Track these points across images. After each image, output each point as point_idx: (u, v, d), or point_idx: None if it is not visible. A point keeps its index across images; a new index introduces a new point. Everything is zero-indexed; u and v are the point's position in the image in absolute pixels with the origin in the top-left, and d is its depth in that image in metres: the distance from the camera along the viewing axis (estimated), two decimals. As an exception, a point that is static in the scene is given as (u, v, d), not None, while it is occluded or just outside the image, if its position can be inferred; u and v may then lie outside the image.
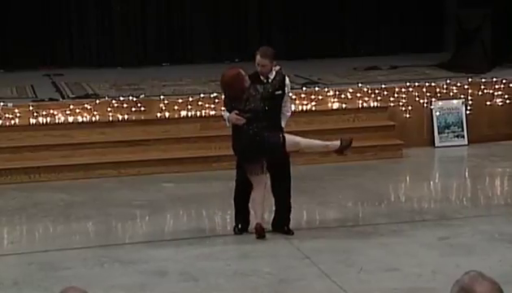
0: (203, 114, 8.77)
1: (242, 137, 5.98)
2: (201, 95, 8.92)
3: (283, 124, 6.23)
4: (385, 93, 9.24)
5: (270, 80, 6.12)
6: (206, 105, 8.82)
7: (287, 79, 6.27)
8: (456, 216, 6.42)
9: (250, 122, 5.96)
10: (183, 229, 6.46)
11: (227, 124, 6.22)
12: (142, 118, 8.68)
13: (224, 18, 11.99)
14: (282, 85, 6.19)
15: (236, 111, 5.99)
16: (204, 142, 8.56)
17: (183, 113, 8.76)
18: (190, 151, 8.46)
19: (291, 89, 9.34)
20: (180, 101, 8.82)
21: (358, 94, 9.19)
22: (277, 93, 6.14)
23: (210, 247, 5.99)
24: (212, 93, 8.99)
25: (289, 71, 10.58)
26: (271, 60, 6.14)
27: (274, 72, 6.16)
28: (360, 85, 9.33)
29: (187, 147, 8.50)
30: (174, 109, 8.76)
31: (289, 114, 6.32)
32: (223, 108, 6.38)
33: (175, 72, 10.95)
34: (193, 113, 8.77)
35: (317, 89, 9.29)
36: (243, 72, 6.05)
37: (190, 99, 8.84)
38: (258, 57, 6.12)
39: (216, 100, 8.87)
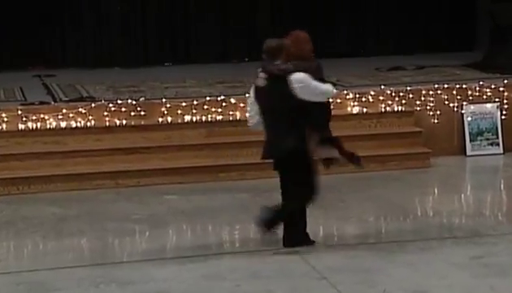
0: (209, 119, 8.81)
1: None
2: (207, 98, 8.96)
3: None
4: (411, 96, 9.24)
5: None
6: (213, 109, 8.86)
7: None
8: (490, 233, 6.41)
9: None
10: (187, 246, 6.48)
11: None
12: (142, 123, 8.73)
13: (232, 14, 12.06)
14: None
15: None
16: (210, 149, 8.59)
17: (187, 118, 8.80)
18: (195, 160, 8.49)
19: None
20: (184, 104, 8.86)
21: (381, 97, 9.20)
22: None
23: (217, 265, 6.01)
24: (219, 95, 9.03)
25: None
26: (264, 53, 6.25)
27: None
28: (383, 87, 9.34)
29: (191, 156, 8.53)
30: (177, 113, 8.81)
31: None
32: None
33: (178, 72, 11.02)
34: (198, 118, 8.81)
35: (335, 91, 9.27)
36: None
37: (195, 103, 8.89)
38: None
39: (224, 104, 8.91)
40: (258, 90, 6.25)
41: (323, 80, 6.28)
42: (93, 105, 8.74)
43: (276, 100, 6.11)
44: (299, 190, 6.19)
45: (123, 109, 8.74)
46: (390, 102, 9.20)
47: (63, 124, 8.55)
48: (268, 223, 6.18)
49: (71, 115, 8.60)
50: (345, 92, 9.23)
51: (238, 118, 8.89)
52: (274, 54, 6.18)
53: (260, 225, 6.19)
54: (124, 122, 8.68)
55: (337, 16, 12.19)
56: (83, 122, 8.59)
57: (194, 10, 11.99)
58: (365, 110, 9.10)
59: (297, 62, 6.14)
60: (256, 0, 12.10)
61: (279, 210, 6.26)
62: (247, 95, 6.43)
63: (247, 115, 6.49)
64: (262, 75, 6.20)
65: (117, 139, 8.53)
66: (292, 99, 6.04)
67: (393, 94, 9.24)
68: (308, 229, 6.51)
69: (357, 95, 9.18)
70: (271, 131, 6.21)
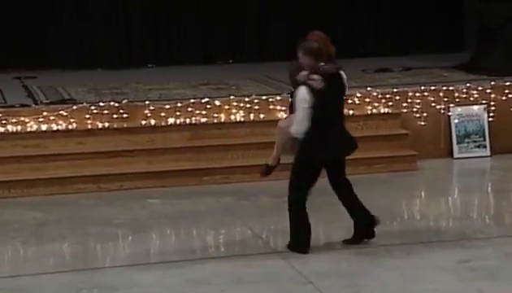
0: (193, 121, 8.80)
1: None
2: (191, 100, 8.94)
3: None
4: (397, 97, 9.27)
5: None
6: (197, 111, 8.85)
7: (298, 88, 6.22)
8: (477, 237, 6.43)
9: None
10: (170, 251, 6.45)
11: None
12: (125, 126, 8.69)
13: (217, 15, 12.04)
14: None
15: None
16: (194, 152, 8.57)
17: (170, 120, 8.78)
18: (179, 163, 8.47)
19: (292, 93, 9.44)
20: (168, 107, 8.84)
21: (367, 99, 9.22)
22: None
23: (202, 270, 5.99)
24: (203, 97, 9.02)
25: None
26: (305, 55, 6.22)
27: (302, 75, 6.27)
28: (369, 88, 9.37)
29: (175, 159, 8.51)
30: (160, 116, 8.78)
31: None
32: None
33: (162, 74, 10.98)
34: (182, 120, 8.79)
35: (321, 93, 9.29)
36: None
37: (179, 105, 8.87)
38: None
39: (208, 106, 8.90)
40: (317, 93, 6.16)
41: None
42: (74, 107, 8.69)
43: (339, 97, 6.32)
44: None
45: (106, 111, 8.70)
46: (377, 105, 9.23)
47: (44, 127, 8.50)
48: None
49: (52, 117, 8.55)
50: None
51: (222, 120, 8.88)
52: (319, 55, 6.23)
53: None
54: (107, 125, 8.64)
55: (322, 17, 12.19)
56: (64, 125, 8.54)
57: (178, 11, 11.95)
58: (351, 112, 9.11)
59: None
60: (241, 1, 12.08)
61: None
62: (304, 101, 6.12)
63: (300, 123, 6.15)
64: (316, 77, 6.15)
65: (99, 142, 8.49)
66: (344, 94, 6.42)
67: (380, 96, 9.26)
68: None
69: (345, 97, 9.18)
70: (337, 128, 6.29)
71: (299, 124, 6.14)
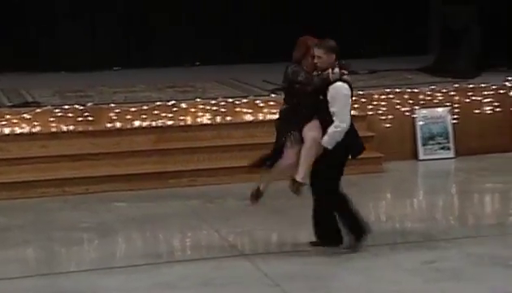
0: (159, 124, 8.76)
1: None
2: (157, 103, 8.91)
3: (322, 141, 6.11)
4: (363, 100, 9.34)
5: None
6: (163, 114, 8.81)
7: (335, 85, 6.08)
8: (442, 238, 6.50)
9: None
10: (136, 255, 6.41)
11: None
12: (90, 129, 8.62)
13: (185, 17, 12.01)
14: (323, 89, 6.13)
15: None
16: (160, 155, 8.54)
17: (136, 123, 8.73)
18: (145, 166, 8.43)
19: (259, 96, 9.46)
20: (133, 109, 8.79)
21: (333, 102, 9.26)
22: (321, 97, 6.13)
23: (168, 274, 5.96)
24: (169, 100, 8.99)
25: (257, 75, 10.75)
26: (328, 53, 6.16)
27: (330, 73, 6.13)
28: (335, 91, 9.40)
29: (141, 162, 8.47)
30: (126, 119, 8.73)
31: (331, 131, 6.07)
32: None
33: (128, 77, 10.92)
34: (148, 123, 8.75)
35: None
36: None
37: (145, 108, 8.82)
38: (314, 48, 6.24)
39: (174, 109, 8.87)
40: (351, 88, 6.26)
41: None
42: (38, 110, 8.60)
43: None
44: None
45: (70, 114, 8.62)
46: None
47: (7, 131, 8.39)
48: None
49: (14, 120, 8.45)
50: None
51: (189, 123, 8.86)
52: (339, 53, 6.29)
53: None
54: (71, 128, 8.57)
55: (290, 19, 12.23)
56: (27, 128, 8.45)
57: (145, 12, 11.90)
58: (317, 114, 9.14)
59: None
60: (206, 2, 12.07)
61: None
62: (348, 97, 6.12)
63: (348, 118, 6.13)
64: (346, 72, 6.22)
65: (63, 145, 8.42)
66: None
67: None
68: (262, 235, 6.53)
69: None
70: (353, 125, 6.28)
71: (347, 118, 6.13)
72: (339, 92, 6.11)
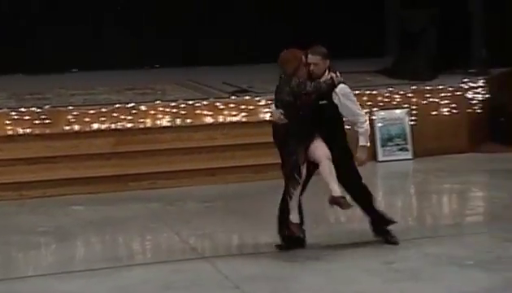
0: (118, 127, 8.70)
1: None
2: (117, 105, 8.84)
3: (361, 142, 6.22)
4: (323, 102, 9.38)
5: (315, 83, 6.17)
6: (122, 116, 8.76)
7: (340, 86, 6.20)
8: (401, 238, 6.56)
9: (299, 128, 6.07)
10: (96, 259, 6.36)
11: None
12: (47, 132, 8.53)
13: (145, 18, 11.95)
14: (329, 94, 6.18)
15: (281, 111, 6.09)
16: (119, 158, 8.48)
17: (95, 126, 8.67)
18: (104, 169, 8.36)
19: (219, 98, 9.47)
20: (92, 112, 8.72)
21: (293, 104, 9.30)
22: (321, 102, 6.17)
23: (128, 277, 5.92)
24: (129, 102, 8.93)
25: (217, 77, 10.75)
26: (324, 59, 6.25)
27: (326, 77, 6.22)
28: (295, 93, 9.45)
29: (100, 165, 8.40)
30: (84, 121, 8.65)
31: (363, 129, 6.21)
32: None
33: (86, 79, 10.82)
34: (107, 126, 8.69)
35: (247, 98, 9.36)
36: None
37: (103, 110, 8.76)
38: (309, 55, 6.26)
39: (133, 111, 8.82)
40: None
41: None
42: (-6, 113, 8.47)
43: None
44: None
45: (27, 117, 8.52)
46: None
47: (-38, 134, 8.26)
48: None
49: (-31, 123, 8.32)
50: (258, 98, 9.30)
51: (148, 126, 8.82)
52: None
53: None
54: (28, 131, 8.47)
55: (254, 21, 12.27)
56: (-17, 131, 8.32)
57: (104, 14, 11.81)
58: (277, 116, 9.17)
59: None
60: (167, 5, 12.03)
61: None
62: (351, 92, 6.28)
63: (361, 110, 6.38)
64: (339, 74, 6.35)
65: (20, 149, 8.31)
66: None
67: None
68: (222, 237, 6.52)
69: (270, 102, 9.24)
70: None
71: (362, 111, 6.32)
72: (347, 91, 6.27)
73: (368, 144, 6.26)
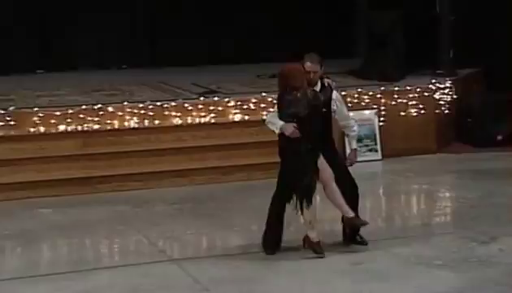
0: (85, 128, 8.63)
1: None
2: (83, 107, 8.77)
3: (353, 146, 6.43)
4: (292, 103, 9.40)
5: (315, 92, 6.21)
6: (89, 118, 8.69)
7: (334, 93, 6.32)
8: (370, 239, 6.61)
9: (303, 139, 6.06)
10: (62, 262, 6.30)
11: (277, 130, 6.15)
12: (12, 134, 8.43)
13: (110, 18, 11.87)
14: (329, 101, 6.27)
15: (295, 124, 6.07)
16: (87, 160, 8.41)
17: (61, 127, 8.59)
18: (71, 171, 8.29)
19: (188, 99, 9.43)
20: (58, 113, 8.64)
21: (263, 105, 9.32)
22: (324, 110, 6.23)
23: (95, 281, 5.87)
24: (96, 104, 8.86)
25: (185, 78, 10.72)
26: (320, 66, 6.34)
27: (320, 84, 6.29)
28: (264, 94, 9.47)
29: (67, 167, 8.32)
30: (50, 123, 8.57)
31: (354, 133, 6.40)
32: (270, 113, 6.28)
33: (52, 80, 10.71)
34: (74, 127, 8.61)
35: (216, 99, 9.34)
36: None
37: (70, 112, 8.68)
38: (308, 64, 6.25)
39: (101, 112, 8.75)
40: None
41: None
42: (-44, 115, 8.35)
43: None
44: None
45: (-9, 119, 8.41)
46: (272, 110, 9.27)
47: None
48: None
49: None
50: (227, 99, 9.30)
51: (116, 127, 8.76)
52: None
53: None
54: (-8, 132, 8.35)
55: (222, 20, 12.26)
56: None
57: (69, 14, 11.70)
58: (247, 117, 9.19)
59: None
60: (132, 5, 11.96)
61: None
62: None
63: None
64: None
65: (-16, 151, 8.19)
66: None
67: (275, 102, 9.30)
68: (191, 240, 6.49)
69: (239, 103, 9.26)
70: None
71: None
72: (340, 96, 6.44)
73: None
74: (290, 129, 6.08)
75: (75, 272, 6.03)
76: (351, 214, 6.27)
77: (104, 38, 11.81)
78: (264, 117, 6.16)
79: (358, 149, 9.56)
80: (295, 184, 6.15)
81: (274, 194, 6.39)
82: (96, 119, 8.69)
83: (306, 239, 6.27)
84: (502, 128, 10.25)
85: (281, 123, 6.13)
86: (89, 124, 8.65)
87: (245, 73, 11.19)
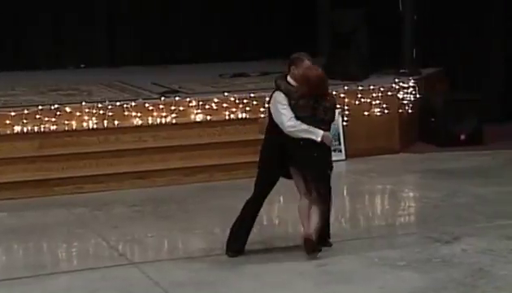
0: (42, 129, 8.53)
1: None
2: (40, 107, 8.66)
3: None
4: (255, 103, 9.43)
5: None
6: (46, 118, 8.59)
7: None
8: (334, 240, 6.64)
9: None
10: (18, 267, 6.22)
11: (318, 139, 6.14)
12: (-34, 135, 8.29)
13: (68, 17, 11.75)
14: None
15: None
16: (43, 162, 8.31)
17: (17, 128, 8.48)
18: (27, 174, 8.18)
19: (148, 99, 9.38)
20: (13, 114, 8.53)
21: (225, 105, 9.32)
22: None
23: (52, 286, 5.81)
24: (53, 104, 8.76)
25: (145, 78, 10.66)
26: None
27: None
28: (226, 94, 9.46)
29: (23, 169, 8.22)
30: (5, 124, 8.47)
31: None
32: (289, 119, 6.15)
33: (6, 79, 10.57)
34: (30, 128, 8.50)
35: (177, 99, 9.31)
36: None
37: (26, 112, 8.57)
38: (307, 62, 6.31)
39: (58, 113, 8.66)
40: None
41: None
42: None
43: None
44: None
45: None
46: (234, 110, 9.33)
47: None
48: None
49: None
50: (188, 99, 9.27)
51: (74, 128, 8.67)
52: None
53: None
54: None
55: (183, 19, 12.22)
56: None
57: (25, 11, 11.55)
58: (209, 118, 9.18)
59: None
60: (90, 4, 11.87)
61: None
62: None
63: None
64: None
65: None
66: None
67: (237, 101, 9.38)
68: (152, 242, 6.43)
69: (201, 103, 9.24)
70: None
71: None
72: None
73: None
74: (329, 137, 6.25)
75: (31, 277, 5.95)
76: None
77: (61, 37, 11.68)
78: (289, 125, 6.11)
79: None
80: (324, 173, 6.31)
81: (251, 198, 6.39)
82: (53, 119, 8.60)
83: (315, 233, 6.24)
84: (465, 127, 10.40)
85: (321, 132, 6.17)
86: (46, 125, 8.55)
87: (206, 73, 11.18)
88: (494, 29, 11.55)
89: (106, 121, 8.82)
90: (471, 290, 5.61)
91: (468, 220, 7.23)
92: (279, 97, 6.29)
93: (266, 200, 8.19)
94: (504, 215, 7.33)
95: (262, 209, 7.78)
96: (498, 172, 9.06)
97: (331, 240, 6.55)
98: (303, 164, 6.29)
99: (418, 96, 10.45)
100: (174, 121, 9.04)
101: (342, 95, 9.87)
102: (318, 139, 6.17)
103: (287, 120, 6.15)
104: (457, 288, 5.63)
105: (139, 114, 8.96)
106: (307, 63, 6.37)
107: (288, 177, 6.46)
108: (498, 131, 10.63)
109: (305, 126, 6.16)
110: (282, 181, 6.64)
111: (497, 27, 11.54)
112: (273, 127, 6.30)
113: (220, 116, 9.24)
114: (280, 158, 6.29)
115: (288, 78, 6.40)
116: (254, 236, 6.84)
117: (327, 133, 6.23)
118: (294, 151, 6.22)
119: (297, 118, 6.16)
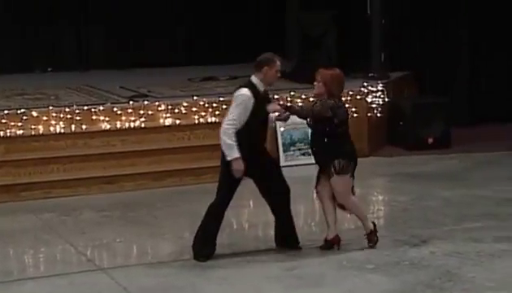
0: (8, 134, 8.46)
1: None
2: (6, 112, 8.59)
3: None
4: (224, 106, 9.43)
5: None
6: (12, 123, 8.53)
7: None
8: (303, 244, 6.68)
9: None
10: (-16, 274, 6.16)
11: (228, 158, 6.24)
12: None
13: (35, 20, 11.66)
14: None
15: None
16: (10, 166, 8.25)
17: (-18, 133, 8.40)
18: (-7, 179, 8.11)
19: (116, 103, 9.34)
20: (-21, 118, 8.45)
21: (194, 109, 9.32)
22: None
23: (19, 292, 5.78)
24: (19, 108, 8.69)
25: (113, 82, 10.61)
26: None
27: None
28: (196, 97, 9.48)
29: (-12, 174, 8.14)
30: (-29, 129, 8.38)
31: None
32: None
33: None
34: (-5, 133, 8.43)
35: (146, 103, 9.29)
36: None
37: (-9, 116, 8.50)
38: (278, 63, 6.50)
39: (24, 117, 8.60)
40: None
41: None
42: None
43: None
44: None
45: None
46: (203, 114, 9.35)
47: None
48: None
49: None
50: (157, 103, 9.26)
51: (41, 132, 8.61)
52: None
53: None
54: None
55: (152, 22, 12.19)
56: None
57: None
58: (178, 122, 9.18)
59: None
60: (58, 6, 11.80)
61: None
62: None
63: None
64: None
65: None
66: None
67: (207, 105, 9.39)
68: (120, 248, 6.42)
69: (170, 106, 9.24)
70: None
71: None
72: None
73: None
74: (238, 168, 6.37)
75: (-3, 283, 5.91)
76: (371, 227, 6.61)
77: (28, 39, 11.59)
78: (227, 127, 6.12)
79: (292, 153, 9.81)
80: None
81: (215, 202, 6.41)
82: (19, 124, 8.53)
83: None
84: (433, 131, 10.52)
85: (236, 155, 6.26)
86: (12, 130, 8.48)
87: (174, 76, 11.17)
88: (461, 34, 11.71)
89: (73, 126, 8.77)
90: (439, 292, 5.69)
91: (436, 223, 7.32)
92: (249, 102, 6.32)
93: (235, 203, 8.24)
94: (471, 218, 7.44)
95: (230, 213, 7.84)
96: (465, 176, 9.19)
97: (300, 244, 6.59)
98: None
99: (386, 100, 10.54)
100: (143, 125, 9.03)
101: (312, 99, 9.91)
102: (228, 158, 6.26)
103: (231, 122, 6.21)
104: (425, 291, 5.71)
105: (107, 118, 8.93)
106: (279, 63, 6.43)
107: (253, 177, 6.50)
108: (466, 134, 10.77)
109: (230, 141, 6.18)
110: (247, 184, 6.67)
111: (464, 31, 11.70)
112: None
113: (189, 120, 9.24)
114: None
115: (254, 80, 6.44)
116: (223, 240, 6.86)
117: (238, 161, 6.24)
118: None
119: (345, 120, 6.65)
